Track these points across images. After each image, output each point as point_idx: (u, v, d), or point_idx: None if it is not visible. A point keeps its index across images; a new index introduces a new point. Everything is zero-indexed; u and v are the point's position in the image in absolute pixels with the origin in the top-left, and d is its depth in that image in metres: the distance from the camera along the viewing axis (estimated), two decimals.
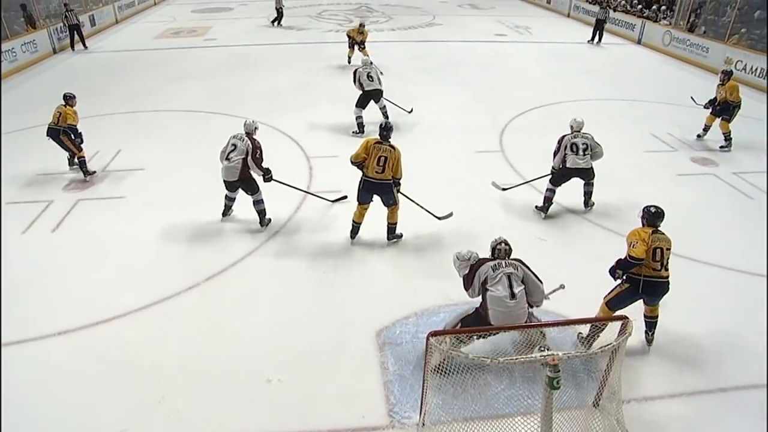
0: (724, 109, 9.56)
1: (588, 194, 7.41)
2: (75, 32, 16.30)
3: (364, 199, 6.41)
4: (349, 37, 14.34)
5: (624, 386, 4.40)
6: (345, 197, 7.41)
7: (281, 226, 6.95)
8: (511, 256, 4.60)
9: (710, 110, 9.79)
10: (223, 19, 21.39)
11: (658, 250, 4.66)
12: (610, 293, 4.92)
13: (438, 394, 3.97)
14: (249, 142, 6.45)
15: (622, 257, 4.74)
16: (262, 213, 6.82)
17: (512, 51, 17.10)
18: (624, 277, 4.81)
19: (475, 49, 17.05)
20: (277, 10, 20.00)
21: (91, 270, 6.06)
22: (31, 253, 6.38)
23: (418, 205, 6.74)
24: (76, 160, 8.08)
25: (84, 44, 16.59)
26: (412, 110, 10.99)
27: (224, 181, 6.61)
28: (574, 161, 6.97)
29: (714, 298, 5.80)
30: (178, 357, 4.86)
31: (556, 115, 11.11)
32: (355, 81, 9.88)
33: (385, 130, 6.31)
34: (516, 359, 3.49)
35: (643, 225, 4.88)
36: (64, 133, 7.73)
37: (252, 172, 6.56)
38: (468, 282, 4.56)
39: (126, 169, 8.46)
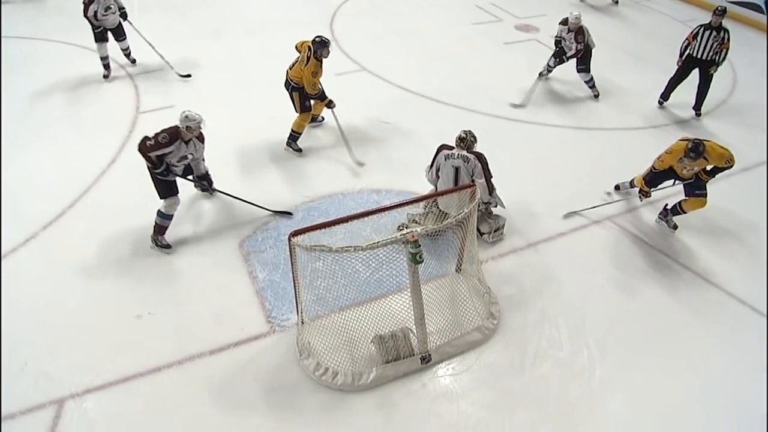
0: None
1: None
2: None
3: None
4: None
5: (482, 250, 4.82)
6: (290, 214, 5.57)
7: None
8: (474, 149, 4.80)
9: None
10: None
11: None
12: None
13: (311, 290, 4.02)
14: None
15: None
16: None
17: None
18: None
19: None
20: None
21: None
22: None
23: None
24: None
25: None
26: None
27: None
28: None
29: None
30: (32, 318, 4.40)
31: None
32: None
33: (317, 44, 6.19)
34: (378, 243, 3.60)
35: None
36: None
37: None
38: (429, 166, 5.02)
39: None
